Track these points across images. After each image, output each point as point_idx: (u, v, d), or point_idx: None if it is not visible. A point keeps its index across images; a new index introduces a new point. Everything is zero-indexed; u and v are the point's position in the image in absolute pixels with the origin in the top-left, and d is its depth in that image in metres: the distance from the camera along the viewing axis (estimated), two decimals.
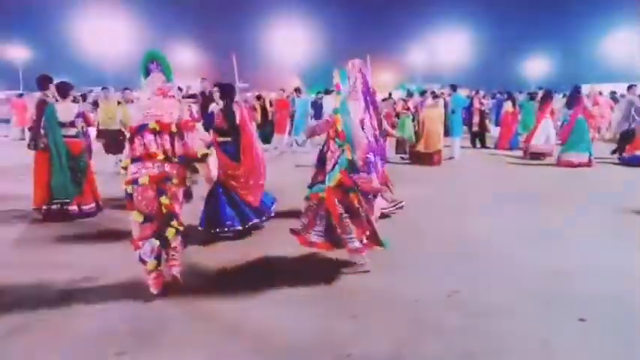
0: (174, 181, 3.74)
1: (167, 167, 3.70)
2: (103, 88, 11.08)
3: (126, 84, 11.19)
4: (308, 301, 3.69)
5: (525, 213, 6.34)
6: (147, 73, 4.01)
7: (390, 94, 16.86)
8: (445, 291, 3.84)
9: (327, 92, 13.06)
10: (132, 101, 9.55)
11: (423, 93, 11.90)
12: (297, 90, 14.13)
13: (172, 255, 3.85)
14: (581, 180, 8.89)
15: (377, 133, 4.25)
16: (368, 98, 4.19)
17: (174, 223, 3.76)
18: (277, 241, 4.93)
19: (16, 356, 3.01)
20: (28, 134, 6.96)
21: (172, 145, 3.74)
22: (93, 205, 6.31)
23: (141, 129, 3.71)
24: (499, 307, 3.58)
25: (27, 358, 2.99)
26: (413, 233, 5.44)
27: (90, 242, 5.17)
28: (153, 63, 4.00)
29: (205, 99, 8.34)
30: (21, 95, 19.44)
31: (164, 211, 3.70)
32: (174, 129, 3.75)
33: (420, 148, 10.81)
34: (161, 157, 3.69)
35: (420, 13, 44.50)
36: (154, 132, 3.70)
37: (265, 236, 5.32)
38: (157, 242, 3.68)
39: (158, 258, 3.72)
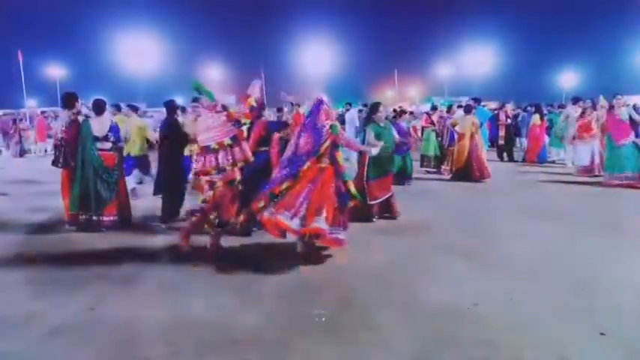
0: (220, 182, 5.11)
1: (216, 175, 5.11)
2: (112, 105, 11.09)
3: (157, 100, 11.35)
4: (325, 312, 3.74)
5: (554, 228, 6.24)
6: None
7: (394, 110, 12.75)
8: (466, 303, 3.85)
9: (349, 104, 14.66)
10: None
11: (449, 108, 11.86)
12: None
13: (213, 233, 5.22)
14: (614, 197, 8.68)
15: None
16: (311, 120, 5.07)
17: (218, 211, 5.15)
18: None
19: (52, 357, 3.18)
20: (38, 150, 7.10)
21: (226, 156, 5.07)
22: (117, 217, 6.38)
23: (205, 150, 5.08)
24: (520, 320, 3.57)
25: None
26: (435, 245, 5.45)
27: (118, 252, 5.37)
28: (197, 90, 5.23)
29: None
30: (43, 112, 20.66)
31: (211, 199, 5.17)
32: (228, 142, 5.05)
33: (476, 164, 10.13)
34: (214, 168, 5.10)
35: (448, 26, 44.50)
36: (214, 150, 5.06)
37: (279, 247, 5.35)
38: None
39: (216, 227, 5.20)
